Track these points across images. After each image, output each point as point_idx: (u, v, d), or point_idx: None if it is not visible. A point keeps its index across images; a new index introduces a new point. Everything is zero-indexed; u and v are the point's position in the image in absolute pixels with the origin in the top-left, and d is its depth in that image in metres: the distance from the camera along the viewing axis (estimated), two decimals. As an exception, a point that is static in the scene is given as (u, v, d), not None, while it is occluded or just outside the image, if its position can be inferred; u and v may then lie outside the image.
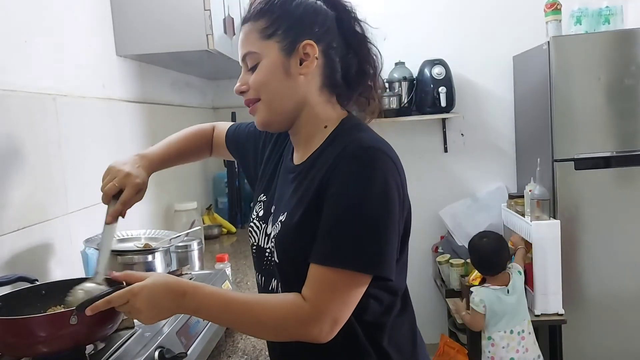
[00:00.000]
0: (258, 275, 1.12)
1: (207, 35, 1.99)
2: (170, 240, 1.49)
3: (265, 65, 1.01)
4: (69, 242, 1.59)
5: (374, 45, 1.08)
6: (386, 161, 0.95)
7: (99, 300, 0.94)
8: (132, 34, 2.02)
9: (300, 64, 1.01)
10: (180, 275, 1.51)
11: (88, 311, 0.93)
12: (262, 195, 1.15)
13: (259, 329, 0.98)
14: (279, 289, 1.04)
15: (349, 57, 1.05)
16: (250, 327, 0.98)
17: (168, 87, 2.59)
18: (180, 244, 1.69)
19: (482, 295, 2.61)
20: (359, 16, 1.08)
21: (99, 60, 1.92)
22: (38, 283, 1.17)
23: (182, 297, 0.96)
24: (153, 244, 1.47)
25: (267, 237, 1.08)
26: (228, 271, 1.96)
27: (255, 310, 0.95)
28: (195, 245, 1.90)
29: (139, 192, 1.17)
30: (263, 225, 1.10)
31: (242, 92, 1.05)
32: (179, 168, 2.66)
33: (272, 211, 1.08)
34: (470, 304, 2.66)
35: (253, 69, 1.03)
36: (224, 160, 2.99)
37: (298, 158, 1.08)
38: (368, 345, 1.00)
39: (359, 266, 0.92)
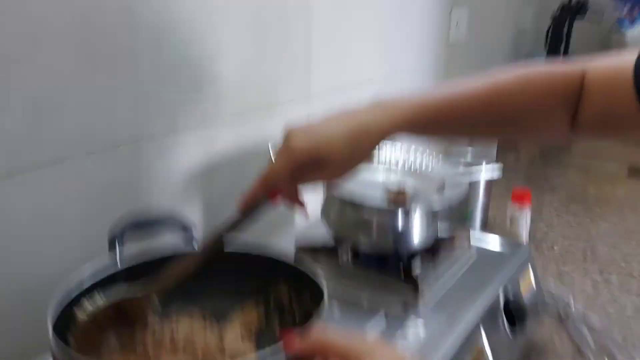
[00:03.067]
0: None
1: None
2: (442, 184, 0.84)
3: None
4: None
5: None
6: None
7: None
8: None
9: None
10: (453, 242, 0.88)
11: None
12: None
13: None
14: None
15: None
16: None
17: None
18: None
19: None
20: None
21: None
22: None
23: None
24: (413, 185, 0.85)
25: None
26: (524, 231, 1.23)
27: None
28: (483, 172, 1.22)
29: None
30: None
31: None
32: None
33: None
34: None
35: None
36: (546, 37, 2.09)
37: None
38: None
39: None
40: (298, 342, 0.42)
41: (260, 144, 0.99)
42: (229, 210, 0.94)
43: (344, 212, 0.77)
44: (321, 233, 0.88)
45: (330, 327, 0.47)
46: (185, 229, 0.67)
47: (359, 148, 0.56)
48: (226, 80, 0.88)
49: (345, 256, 0.85)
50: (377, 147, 0.57)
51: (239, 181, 0.96)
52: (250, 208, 0.56)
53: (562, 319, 0.97)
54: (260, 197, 0.56)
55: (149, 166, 0.79)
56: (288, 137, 0.56)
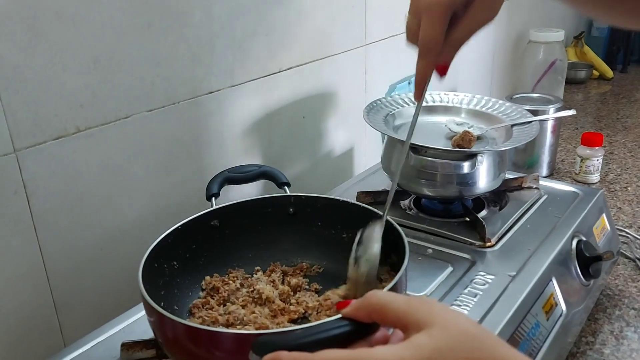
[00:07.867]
0: None
1: None
2: (509, 125, 0.80)
3: None
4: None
5: None
6: None
7: (296, 355, 0.38)
8: None
9: None
10: (520, 185, 0.85)
11: (268, 362, 0.39)
12: None
13: None
14: None
15: None
16: None
17: None
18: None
19: None
20: None
21: None
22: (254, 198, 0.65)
23: None
24: (478, 130, 0.81)
25: None
26: (596, 173, 1.19)
27: None
28: (551, 113, 1.16)
29: (468, 17, 0.49)
30: None
31: None
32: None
33: None
34: None
35: None
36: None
37: None
38: None
39: None
40: (354, 304, 0.41)
41: (316, 93, 0.98)
42: (288, 160, 0.95)
43: (406, 156, 0.75)
44: (381, 180, 0.86)
45: (388, 291, 0.46)
46: (282, 184, 0.68)
47: None
48: (282, 30, 0.87)
49: (408, 202, 0.83)
50: None
51: (297, 131, 0.96)
52: (423, 91, 0.52)
53: (638, 262, 0.92)
54: (429, 75, 0.51)
55: (208, 120, 0.79)
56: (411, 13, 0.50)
